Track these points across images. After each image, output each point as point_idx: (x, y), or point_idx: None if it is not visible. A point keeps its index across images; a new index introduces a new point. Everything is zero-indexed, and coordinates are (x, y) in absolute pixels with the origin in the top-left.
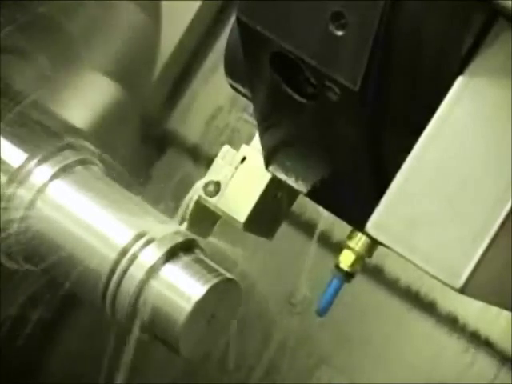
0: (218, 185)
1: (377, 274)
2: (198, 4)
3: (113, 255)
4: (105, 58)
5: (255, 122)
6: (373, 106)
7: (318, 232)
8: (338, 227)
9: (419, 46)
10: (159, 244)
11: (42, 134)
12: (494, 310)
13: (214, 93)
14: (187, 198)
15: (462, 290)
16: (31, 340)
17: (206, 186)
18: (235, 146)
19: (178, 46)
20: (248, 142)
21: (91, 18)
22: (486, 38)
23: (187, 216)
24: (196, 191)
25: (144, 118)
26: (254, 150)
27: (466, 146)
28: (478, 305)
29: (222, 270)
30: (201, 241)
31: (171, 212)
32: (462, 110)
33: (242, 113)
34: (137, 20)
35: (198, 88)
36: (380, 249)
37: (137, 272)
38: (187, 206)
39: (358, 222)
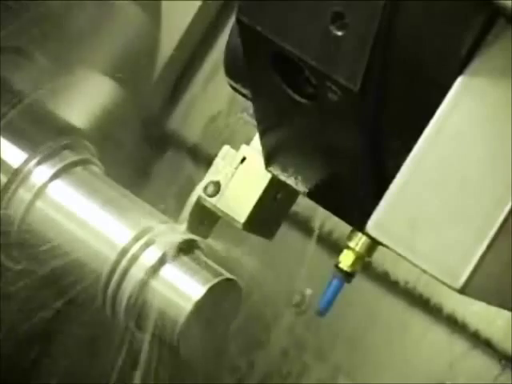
0: (217, 185)
1: (378, 274)
2: (197, 4)
3: (113, 255)
4: (105, 58)
5: (255, 123)
6: (373, 106)
7: (317, 232)
8: (338, 227)
9: (419, 47)
10: (159, 244)
11: (42, 134)
12: (494, 310)
13: (214, 94)
14: (190, 199)
15: (462, 291)
16: (27, 347)
17: (205, 186)
18: (235, 146)
19: (178, 46)
20: (248, 142)
21: (91, 18)
22: (486, 38)
23: (187, 216)
24: (198, 192)
25: (144, 118)
26: (254, 150)
27: (465, 146)
28: (478, 305)
29: (221, 270)
30: (201, 241)
31: (171, 212)
32: (462, 110)
33: (242, 113)
34: (137, 20)
35: (198, 88)
36: (381, 250)
37: (137, 272)
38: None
39: (358, 222)
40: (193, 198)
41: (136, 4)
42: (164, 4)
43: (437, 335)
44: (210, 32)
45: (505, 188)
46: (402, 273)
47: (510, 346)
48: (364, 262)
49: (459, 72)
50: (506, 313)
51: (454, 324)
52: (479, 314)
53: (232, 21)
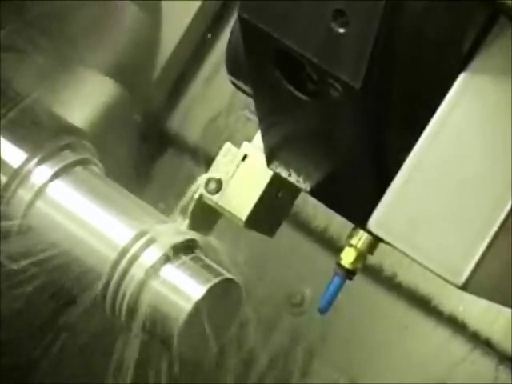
0: (219, 182)
1: (378, 275)
2: (198, 4)
3: (113, 255)
4: (105, 58)
5: (256, 120)
6: (374, 103)
7: (317, 232)
8: (339, 225)
9: (420, 44)
10: (159, 244)
11: (42, 133)
12: (495, 310)
13: (214, 93)
14: (189, 192)
15: (464, 287)
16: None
17: (207, 183)
18: (235, 145)
19: (178, 46)
20: (248, 141)
21: (91, 18)
22: (487, 36)
23: (189, 214)
24: (198, 186)
25: (144, 118)
26: (256, 147)
27: (466, 144)
28: (478, 305)
29: (221, 270)
30: (201, 239)
31: (171, 212)
32: (463, 108)
33: (244, 110)
34: (137, 20)
35: (198, 88)
36: (381, 251)
37: (137, 272)
38: (189, 201)
39: (360, 219)
40: (191, 190)
41: (136, 4)
42: (164, 4)
43: (437, 335)
44: (210, 32)
45: (505, 187)
46: (402, 273)
47: (509, 346)
48: (365, 260)
49: (460, 70)
50: (506, 313)
51: (454, 324)
52: (479, 314)
53: (232, 20)
